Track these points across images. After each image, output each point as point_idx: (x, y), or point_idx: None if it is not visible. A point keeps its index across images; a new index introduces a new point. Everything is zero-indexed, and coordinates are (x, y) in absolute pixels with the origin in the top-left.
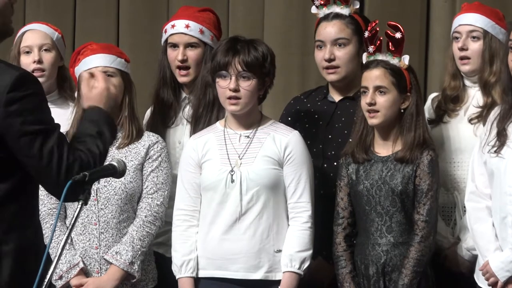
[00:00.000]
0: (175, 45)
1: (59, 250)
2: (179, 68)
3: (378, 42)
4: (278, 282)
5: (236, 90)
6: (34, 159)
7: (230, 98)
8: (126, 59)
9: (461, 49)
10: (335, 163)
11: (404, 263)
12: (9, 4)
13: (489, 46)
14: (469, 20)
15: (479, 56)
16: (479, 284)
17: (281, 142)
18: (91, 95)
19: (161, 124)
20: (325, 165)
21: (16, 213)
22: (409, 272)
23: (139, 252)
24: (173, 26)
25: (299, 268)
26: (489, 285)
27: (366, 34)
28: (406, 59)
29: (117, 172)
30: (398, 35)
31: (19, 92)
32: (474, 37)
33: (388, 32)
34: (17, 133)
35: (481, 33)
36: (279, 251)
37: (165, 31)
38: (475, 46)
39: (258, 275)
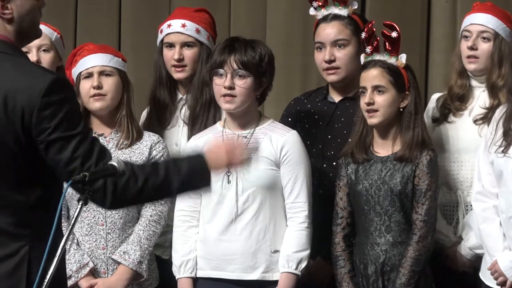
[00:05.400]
0: (171, 45)
1: (59, 251)
2: (175, 66)
3: (376, 42)
4: (275, 282)
5: (231, 87)
6: (61, 163)
7: (225, 96)
8: (123, 58)
9: (471, 48)
10: (334, 163)
11: (401, 263)
12: (37, 7)
13: (498, 49)
14: (481, 20)
15: (487, 57)
16: (487, 283)
17: (278, 142)
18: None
19: (158, 125)
20: (325, 165)
21: (44, 219)
22: (407, 271)
23: (147, 252)
24: (169, 25)
25: (296, 269)
26: (497, 284)
27: (363, 35)
28: (403, 58)
29: (117, 172)
30: (394, 34)
31: (53, 96)
32: (484, 38)
33: (384, 31)
34: (48, 138)
35: (492, 35)
36: (276, 251)
37: (161, 31)
38: (484, 47)
39: (254, 276)
